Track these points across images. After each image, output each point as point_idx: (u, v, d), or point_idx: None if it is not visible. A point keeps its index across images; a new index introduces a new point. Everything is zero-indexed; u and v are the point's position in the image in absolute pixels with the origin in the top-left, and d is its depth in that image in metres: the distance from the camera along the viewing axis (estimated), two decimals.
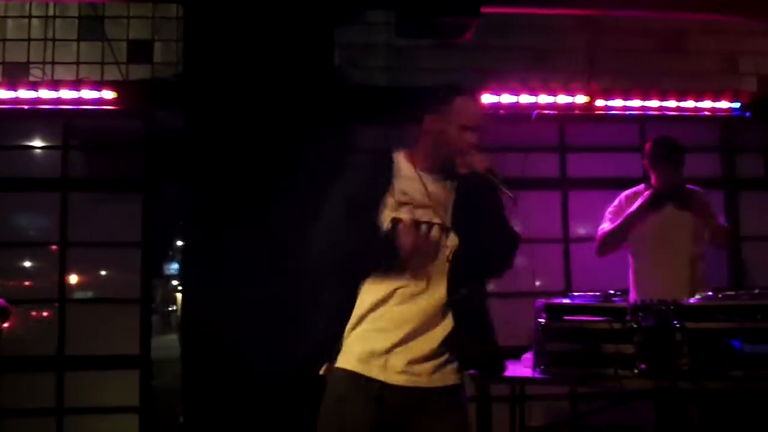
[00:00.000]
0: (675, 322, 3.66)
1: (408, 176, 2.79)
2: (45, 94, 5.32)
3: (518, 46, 6.07)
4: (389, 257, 2.64)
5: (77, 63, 5.69)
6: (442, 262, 2.73)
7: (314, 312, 2.92)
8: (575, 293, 4.14)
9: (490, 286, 5.61)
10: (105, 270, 5.85)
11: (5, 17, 5.70)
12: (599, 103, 5.76)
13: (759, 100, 5.94)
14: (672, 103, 5.79)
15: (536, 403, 5.12)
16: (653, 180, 4.73)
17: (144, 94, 5.52)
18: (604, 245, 4.80)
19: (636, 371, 3.67)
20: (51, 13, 5.71)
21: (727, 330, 3.66)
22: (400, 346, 2.71)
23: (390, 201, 2.74)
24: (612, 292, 3.94)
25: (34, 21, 5.71)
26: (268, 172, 4.95)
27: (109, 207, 5.61)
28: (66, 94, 5.33)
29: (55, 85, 5.37)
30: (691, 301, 3.81)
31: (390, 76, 5.93)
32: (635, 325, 3.70)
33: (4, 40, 5.69)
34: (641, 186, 4.83)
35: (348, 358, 2.75)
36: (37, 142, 5.73)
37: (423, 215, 2.72)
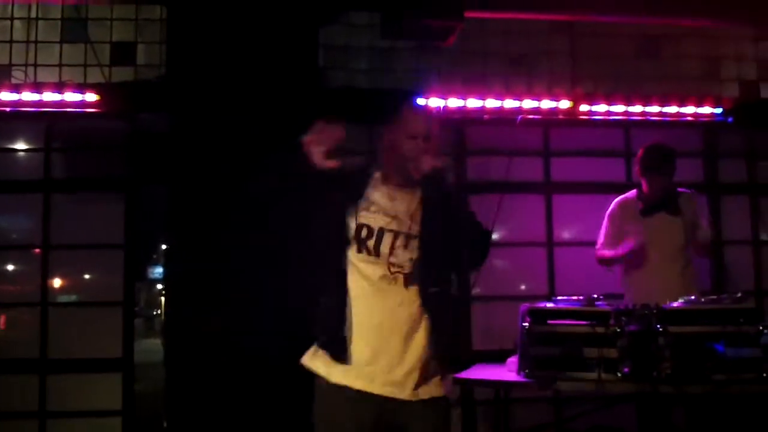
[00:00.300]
0: (658, 326, 3.67)
1: (379, 189, 2.95)
2: (27, 96, 5.28)
3: (498, 50, 6.09)
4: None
5: (60, 65, 5.66)
6: (410, 269, 2.84)
7: (300, 314, 2.99)
8: (559, 297, 4.15)
9: (475, 290, 5.73)
10: (88, 273, 5.81)
11: None
12: (583, 108, 5.78)
13: (741, 106, 5.98)
14: (655, 109, 5.82)
15: (520, 406, 5.13)
16: (644, 187, 4.75)
17: (127, 97, 5.49)
18: (603, 263, 4.88)
19: (619, 375, 3.69)
20: (33, 14, 5.68)
21: (709, 334, 3.68)
22: (384, 356, 2.79)
23: (361, 208, 2.89)
24: (596, 296, 3.95)
25: (17, 23, 5.67)
26: (250, 173, 4.93)
27: (91, 209, 5.57)
28: (49, 96, 5.29)
29: (37, 87, 5.33)
30: (674, 305, 3.83)
31: (372, 78, 5.93)
32: (618, 329, 3.71)
33: None
34: (633, 192, 4.85)
35: (334, 371, 2.83)
36: (19, 144, 5.69)
37: (388, 224, 2.86)
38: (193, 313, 4.86)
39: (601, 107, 5.80)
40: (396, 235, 2.85)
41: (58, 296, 5.71)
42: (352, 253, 2.86)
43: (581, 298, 3.94)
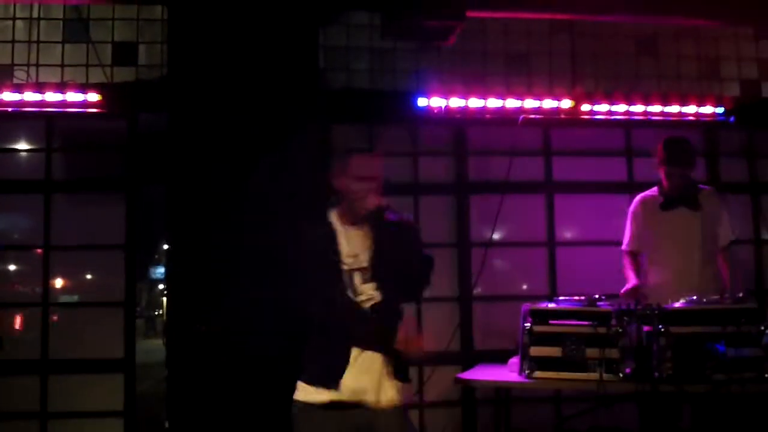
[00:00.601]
0: (659, 326, 3.67)
1: (339, 231, 3.30)
2: (29, 96, 5.29)
3: (499, 50, 6.08)
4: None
5: (62, 65, 5.65)
6: (380, 296, 3.23)
7: (300, 314, 3.22)
8: (560, 297, 4.15)
9: (476, 290, 5.73)
10: (89, 273, 5.81)
11: None
12: (585, 107, 5.78)
13: (742, 105, 5.98)
14: (657, 108, 5.82)
15: (521, 405, 5.12)
16: (663, 181, 4.73)
17: (128, 97, 5.50)
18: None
19: (620, 375, 3.69)
20: (35, 15, 5.67)
21: (710, 334, 3.68)
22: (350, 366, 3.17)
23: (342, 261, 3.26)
24: (597, 296, 3.95)
25: (19, 23, 5.67)
26: (251, 173, 4.93)
27: (92, 210, 5.58)
28: (51, 96, 5.30)
29: (39, 87, 5.34)
30: (676, 305, 3.83)
31: (372, 79, 5.94)
32: (620, 330, 3.71)
33: None
34: (654, 189, 4.83)
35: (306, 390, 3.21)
36: (21, 144, 5.69)
37: (351, 264, 3.24)
38: (194, 313, 4.85)
39: (603, 107, 5.80)
40: (362, 271, 3.23)
41: (60, 297, 5.70)
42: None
43: (583, 298, 3.95)
